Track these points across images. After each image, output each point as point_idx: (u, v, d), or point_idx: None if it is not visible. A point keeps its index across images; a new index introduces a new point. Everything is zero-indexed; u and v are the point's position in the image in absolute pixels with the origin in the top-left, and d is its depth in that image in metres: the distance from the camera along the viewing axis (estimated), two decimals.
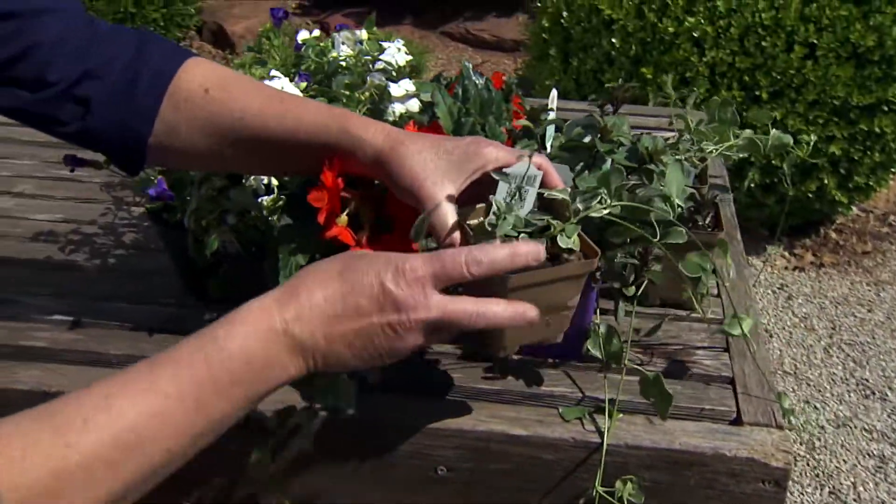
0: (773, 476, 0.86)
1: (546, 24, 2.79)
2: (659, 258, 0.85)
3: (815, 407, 2.35)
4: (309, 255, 0.84)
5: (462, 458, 0.90)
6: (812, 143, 1.11)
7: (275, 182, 0.97)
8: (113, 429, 0.60)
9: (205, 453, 0.65)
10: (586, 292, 0.91)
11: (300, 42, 1.16)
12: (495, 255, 0.69)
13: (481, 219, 0.78)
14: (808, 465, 2.18)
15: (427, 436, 0.90)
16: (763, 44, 2.44)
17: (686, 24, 2.48)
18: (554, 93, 1.14)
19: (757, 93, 2.46)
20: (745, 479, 0.87)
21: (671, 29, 2.48)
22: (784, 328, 2.61)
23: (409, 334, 0.67)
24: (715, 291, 1.09)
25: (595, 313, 0.95)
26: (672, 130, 1.18)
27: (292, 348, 0.65)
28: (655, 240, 0.89)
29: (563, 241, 0.78)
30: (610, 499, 0.86)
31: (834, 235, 2.96)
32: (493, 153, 0.79)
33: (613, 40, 2.56)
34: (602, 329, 0.91)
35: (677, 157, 1.12)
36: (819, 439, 2.25)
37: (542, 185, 0.81)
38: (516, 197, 0.79)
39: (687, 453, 0.87)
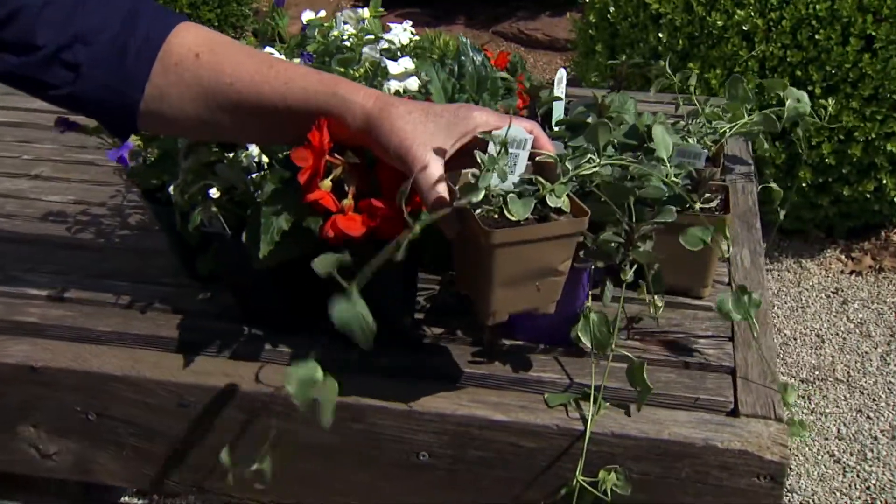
0: (767, 470, 0.81)
1: (593, 20, 2.74)
2: (647, 237, 0.80)
3: (868, 417, 2.23)
4: (293, 218, 0.82)
5: (443, 443, 0.87)
6: (828, 111, 1.06)
7: (265, 159, 0.95)
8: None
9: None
10: (577, 276, 0.87)
11: (305, 22, 1.15)
12: None
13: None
14: (857, 476, 2.07)
15: (408, 419, 0.87)
16: (817, 37, 2.35)
17: (736, 17, 2.40)
18: (561, 73, 1.10)
19: (810, 87, 2.36)
20: (738, 472, 0.81)
21: (720, 22, 2.40)
22: (837, 334, 2.50)
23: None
24: (725, 280, 1.04)
25: (587, 298, 0.91)
26: (677, 116, 1.13)
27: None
28: (649, 216, 0.85)
29: (552, 201, 0.75)
30: (592, 490, 0.81)
31: None
32: (483, 117, 0.78)
33: (661, 35, 2.50)
34: (592, 315, 0.87)
35: (687, 137, 1.08)
36: (871, 450, 2.14)
37: (533, 149, 0.78)
38: (507, 161, 0.76)
39: (676, 444, 0.82)
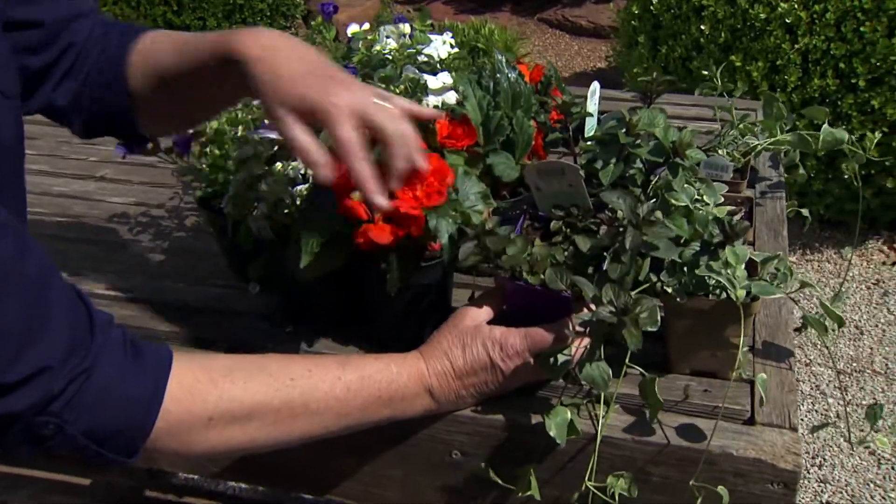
0: (781, 478, 0.85)
1: (635, 11, 2.75)
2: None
3: None
4: (326, 236, 0.88)
5: (474, 443, 0.93)
6: (876, 141, 1.09)
7: (310, 171, 1.01)
8: (306, 395, 0.81)
9: None
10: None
11: (350, 35, 1.21)
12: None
13: None
14: (892, 468, 2.09)
15: (444, 421, 0.93)
16: (862, 29, 2.34)
17: (779, 9, 2.39)
18: (594, 86, 1.14)
19: (853, 80, 2.36)
20: (752, 479, 0.86)
21: (763, 15, 2.40)
22: (877, 325, 2.50)
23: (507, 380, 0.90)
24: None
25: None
26: (713, 120, 1.16)
27: (430, 395, 0.88)
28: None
29: None
30: (601, 495, 0.86)
31: None
32: None
33: (703, 27, 2.50)
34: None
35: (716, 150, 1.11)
36: None
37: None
38: None
39: (693, 450, 0.87)
